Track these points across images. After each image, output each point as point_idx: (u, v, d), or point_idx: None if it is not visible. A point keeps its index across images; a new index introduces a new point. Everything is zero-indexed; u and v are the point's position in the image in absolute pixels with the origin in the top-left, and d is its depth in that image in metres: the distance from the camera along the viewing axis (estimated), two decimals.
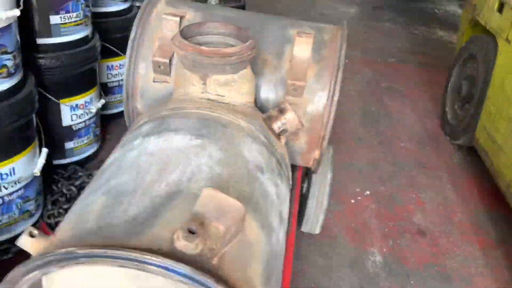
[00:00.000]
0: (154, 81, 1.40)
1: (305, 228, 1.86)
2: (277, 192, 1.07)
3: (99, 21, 2.22)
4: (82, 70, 1.96)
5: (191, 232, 0.75)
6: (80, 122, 2.04)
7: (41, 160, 1.68)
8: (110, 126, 2.47)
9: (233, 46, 1.24)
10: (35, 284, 0.82)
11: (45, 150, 1.72)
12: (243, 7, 2.94)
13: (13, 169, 1.56)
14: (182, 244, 0.73)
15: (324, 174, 1.77)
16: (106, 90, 2.40)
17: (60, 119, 1.96)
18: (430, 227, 2.12)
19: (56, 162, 2.06)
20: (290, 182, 1.28)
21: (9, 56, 1.42)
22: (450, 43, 4.70)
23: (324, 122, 1.39)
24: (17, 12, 1.38)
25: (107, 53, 2.29)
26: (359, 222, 2.10)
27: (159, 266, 0.69)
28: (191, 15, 1.46)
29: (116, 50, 2.30)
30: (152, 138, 1.04)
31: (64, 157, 2.07)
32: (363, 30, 4.95)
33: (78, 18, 1.84)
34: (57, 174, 2.03)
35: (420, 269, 1.88)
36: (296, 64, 1.37)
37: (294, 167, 1.69)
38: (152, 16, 1.44)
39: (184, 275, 0.69)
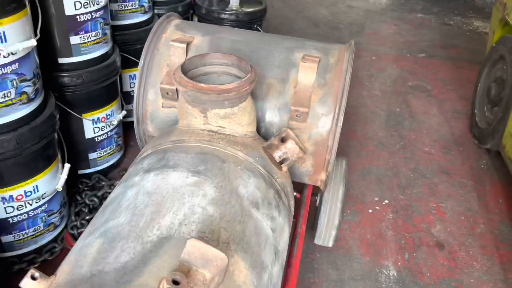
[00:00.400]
0: (162, 107, 1.45)
1: (317, 241, 1.88)
2: (272, 226, 1.10)
3: (120, 33, 2.29)
4: (103, 85, 2.03)
5: (175, 282, 0.79)
6: (102, 134, 2.12)
7: (63, 176, 1.78)
8: (133, 132, 2.55)
9: (235, 75, 1.27)
10: None
11: (67, 166, 1.81)
12: (264, 11, 2.94)
13: (37, 186, 1.65)
14: None
15: (336, 191, 1.76)
16: (129, 98, 2.48)
17: (83, 132, 2.05)
18: (449, 240, 2.09)
19: (80, 172, 2.16)
20: (292, 210, 1.30)
21: (28, 83, 1.50)
22: (486, 35, 4.49)
23: (329, 146, 1.39)
24: (33, 43, 1.45)
25: (130, 64, 2.37)
26: (375, 234, 2.09)
27: None
28: (198, 40, 1.49)
29: (137, 60, 2.37)
30: (152, 175, 1.08)
31: (88, 167, 2.17)
32: (394, 22, 4.82)
33: (97, 37, 1.90)
34: (81, 184, 2.13)
35: (436, 284, 1.86)
36: (300, 90, 1.38)
37: (304, 184, 1.71)
38: (161, 42, 1.48)
39: None
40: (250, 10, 2.86)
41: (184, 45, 1.42)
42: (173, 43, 1.42)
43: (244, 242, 0.98)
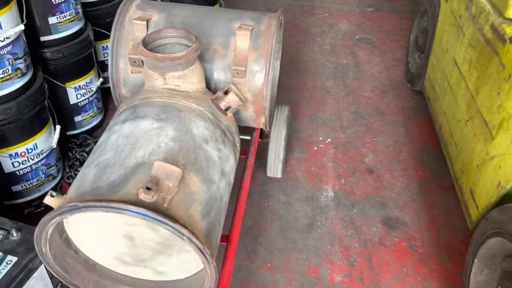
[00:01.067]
0: (132, 73, 1.83)
1: (269, 173, 2.34)
2: (219, 155, 1.52)
3: (90, 9, 2.61)
4: (80, 57, 2.38)
5: (148, 188, 1.21)
6: (84, 99, 2.49)
7: (56, 135, 2.16)
8: (111, 96, 2.91)
9: (185, 45, 1.65)
10: (58, 225, 1.31)
11: (58, 127, 2.19)
12: None
13: (36, 144, 2.04)
14: (143, 196, 1.20)
15: (279, 132, 2.20)
16: (104, 66, 2.82)
17: (68, 99, 2.42)
18: (378, 166, 2.57)
19: (69, 133, 2.54)
20: (238, 145, 1.72)
21: (21, 60, 1.86)
22: None
23: (264, 95, 1.81)
24: (22, 27, 1.79)
25: (102, 36, 2.70)
26: (318, 166, 2.55)
27: (128, 210, 1.16)
28: (156, 17, 1.85)
29: (108, 33, 2.69)
30: (127, 124, 1.48)
31: (75, 128, 2.55)
32: None
33: (71, 16, 2.23)
34: (71, 143, 2.52)
35: (363, 200, 2.35)
36: (239, 53, 1.77)
37: (253, 129, 2.13)
38: (125, 21, 1.84)
39: (143, 215, 1.16)
40: None
41: (144, 22, 1.79)
42: (135, 21, 1.79)
43: (197, 165, 1.40)
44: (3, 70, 1.78)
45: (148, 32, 1.81)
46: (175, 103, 1.55)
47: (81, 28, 2.35)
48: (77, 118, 2.52)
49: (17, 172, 2.02)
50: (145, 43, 1.59)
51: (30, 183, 2.10)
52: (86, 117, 2.55)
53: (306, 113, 2.96)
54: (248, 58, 1.78)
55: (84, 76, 2.44)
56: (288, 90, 3.17)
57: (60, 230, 1.38)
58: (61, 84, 2.33)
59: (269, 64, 1.78)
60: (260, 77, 1.79)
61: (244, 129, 2.00)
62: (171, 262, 1.47)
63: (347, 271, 1.99)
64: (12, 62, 1.80)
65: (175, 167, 1.24)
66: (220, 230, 1.47)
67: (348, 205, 2.32)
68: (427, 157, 2.63)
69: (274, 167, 2.29)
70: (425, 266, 2.02)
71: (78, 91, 2.43)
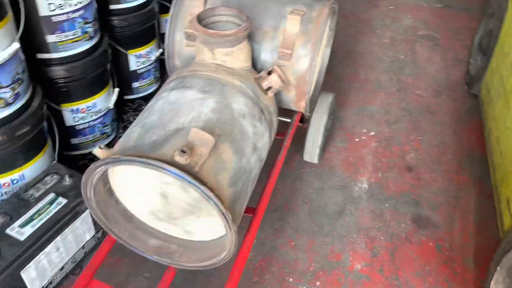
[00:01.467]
0: (186, 46, 1.95)
1: (306, 157, 2.40)
2: (254, 131, 1.61)
3: None
4: (144, 27, 2.54)
5: (183, 151, 1.33)
6: (143, 67, 2.67)
7: (113, 97, 2.35)
8: None
9: (236, 24, 1.74)
10: (103, 175, 1.46)
11: (116, 90, 2.37)
12: None
13: (95, 103, 2.23)
14: (178, 158, 1.32)
15: (320, 118, 2.25)
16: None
17: (128, 65, 2.60)
18: (419, 165, 2.55)
19: (126, 97, 2.74)
20: (275, 125, 1.80)
21: (90, 25, 2.03)
22: None
23: (306, 80, 1.87)
24: None
25: (165, 10, 2.84)
26: (357, 157, 2.58)
27: (163, 168, 1.28)
28: None
29: None
30: (174, 92, 1.61)
31: (132, 93, 2.74)
32: None
33: None
34: (127, 106, 2.72)
35: (397, 196, 2.36)
36: (287, 36, 1.84)
37: (295, 112, 2.19)
38: None
39: (175, 174, 1.28)
40: None
41: (202, 0, 1.90)
42: None
43: (231, 137, 1.50)
44: (74, 32, 1.97)
45: (205, 9, 1.92)
46: (220, 78, 1.65)
47: (147, 0, 2.50)
48: (135, 84, 2.70)
49: (76, 127, 2.23)
50: (200, 19, 1.70)
51: (87, 138, 2.31)
52: (143, 84, 2.73)
53: (354, 104, 2.97)
54: (296, 42, 1.84)
55: (146, 46, 2.60)
56: (339, 79, 3.19)
57: (104, 180, 1.54)
58: (124, 51, 2.51)
59: (316, 50, 1.83)
60: (305, 61, 1.85)
61: (287, 112, 2.08)
62: (198, 223, 1.59)
63: (368, 260, 2.03)
64: (82, 25, 1.98)
65: (209, 135, 1.35)
66: (246, 201, 1.57)
67: (381, 198, 2.34)
68: (472, 162, 2.57)
69: (311, 152, 2.35)
70: (449, 268, 2.01)
71: (138, 59, 2.60)
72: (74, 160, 2.34)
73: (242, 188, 1.50)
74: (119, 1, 2.36)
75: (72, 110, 2.17)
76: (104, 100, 2.29)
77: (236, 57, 1.70)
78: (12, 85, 1.63)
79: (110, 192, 1.60)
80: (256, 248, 2.05)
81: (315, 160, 2.40)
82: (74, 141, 2.29)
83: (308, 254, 2.04)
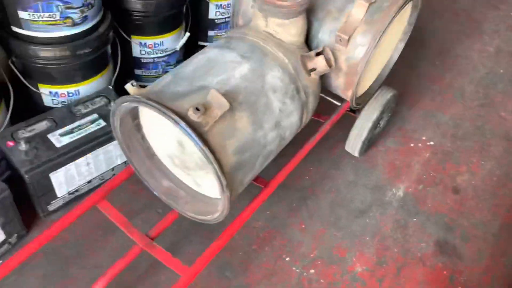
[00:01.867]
0: (251, 7, 1.95)
1: (347, 148, 2.34)
2: (281, 107, 1.61)
3: None
4: None
5: (197, 109, 1.38)
6: (222, 18, 2.72)
7: (182, 40, 2.44)
8: None
9: None
10: (132, 109, 1.57)
11: (187, 34, 2.46)
12: None
13: (162, 42, 2.35)
14: (190, 113, 1.37)
15: (371, 113, 2.16)
16: None
17: (207, 13, 2.66)
18: (468, 190, 2.35)
19: (200, 43, 2.83)
20: (310, 107, 1.77)
21: None
22: None
23: (358, 71, 1.79)
24: None
25: None
26: (404, 162, 2.45)
27: (172, 119, 1.35)
28: None
29: None
30: (216, 50, 1.64)
31: (206, 41, 2.82)
32: None
33: None
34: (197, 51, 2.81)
35: (429, 214, 2.22)
36: (350, 21, 1.76)
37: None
38: None
39: (182, 127, 1.34)
40: None
41: None
42: None
43: (253, 108, 1.52)
44: None
45: None
46: (265, 47, 1.65)
47: None
48: (210, 33, 2.77)
49: (141, 59, 2.38)
50: None
51: (149, 72, 2.45)
52: (218, 34, 2.79)
53: (424, 107, 2.78)
54: (357, 29, 1.75)
55: None
56: (419, 77, 2.99)
57: (134, 114, 1.65)
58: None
59: (374, 42, 1.73)
60: (360, 51, 1.76)
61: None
62: (207, 179, 1.66)
63: (372, 267, 1.98)
64: None
65: (225, 100, 1.38)
66: (252, 172, 1.59)
67: (412, 211, 2.22)
68: None
69: (353, 145, 2.28)
70: None
71: (218, 8, 2.65)
72: None
73: (249, 158, 1.53)
74: None
75: (140, 43, 2.30)
76: (172, 41, 2.39)
77: (288, 30, 1.68)
78: (82, 8, 1.78)
79: (139, 127, 1.72)
80: (266, 219, 2.09)
81: (356, 154, 2.33)
82: (138, 72, 2.45)
83: (314, 241, 2.04)
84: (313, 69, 1.71)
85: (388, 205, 2.24)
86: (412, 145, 2.55)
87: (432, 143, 2.58)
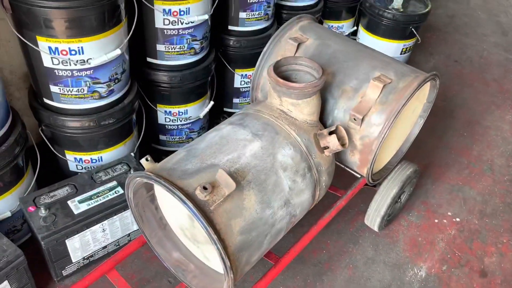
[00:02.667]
0: (269, 83, 2.01)
1: (366, 221, 2.27)
2: (291, 186, 1.61)
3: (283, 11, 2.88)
4: (255, 52, 2.67)
5: (205, 188, 1.40)
6: (247, 87, 2.81)
7: (206, 109, 2.53)
8: None
9: (314, 77, 1.74)
10: (146, 183, 1.61)
11: (211, 103, 2.55)
12: (424, 15, 3.12)
13: (186, 110, 2.44)
14: (197, 193, 1.39)
15: (390, 188, 2.11)
16: None
17: (233, 83, 2.76)
18: (496, 273, 2.22)
19: (226, 109, 2.91)
20: (324, 184, 1.75)
21: (197, 42, 2.23)
22: None
23: (373, 149, 1.78)
24: (206, 17, 2.14)
25: None
26: (427, 240, 2.35)
27: (179, 198, 1.37)
28: (310, 41, 1.97)
29: None
30: (230, 127, 1.68)
31: (231, 107, 2.91)
32: None
33: (259, 16, 2.52)
34: (223, 118, 2.89)
35: None
36: (364, 101, 1.77)
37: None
38: (284, 37, 2.01)
39: (188, 207, 1.36)
40: (409, 12, 3.09)
41: (296, 44, 1.93)
42: (289, 40, 1.95)
43: (262, 186, 1.52)
44: (180, 47, 2.18)
45: (296, 54, 1.96)
46: (278, 125, 1.68)
47: (265, 27, 2.62)
48: (235, 100, 2.86)
49: (166, 126, 2.47)
50: (281, 65, 1.74)
51: (173, 138, 2.53)
52: (243, 101, 2.87)
53: (451, 181, 2.70)
54: (371, 109, 1.76)
55: (252, 68, 2.73)
56: (446, 149, 2.92)
57: (148, 186, 1.69)
58: (231, 70, 2.68)
59: (389, 122, 1.73)
60: (375, 130, 1.76)
61: None
62: (215, 253, 1.65)
63: None
64: (189, 42, 2.18)
65: (231, 181, 1.39)
66: (260, 251, 1.57)
67: None
68: None
69: (371, 219, 2.22)
70: None
71: (243, 78, 2.75)
72: (158, 154, 2.58)
73: (255, 238, 1.52)
74: (238, 24, 2.52)
75: (165, 112, 2.40)
76: (197, 110, 2.48)
77: (301, 110, 1.71)
78: (109, 83, 1.89)
79: (153, 198, 1.76)
80: None
81: (375, 228, 2.26)
82: (162, 137, 2.53)
83: None
84: (326, 147, 1.72)
85: (408, 286, 2.13)
86: (436, 221, 2.46)
87: (458, 219, 2.47)
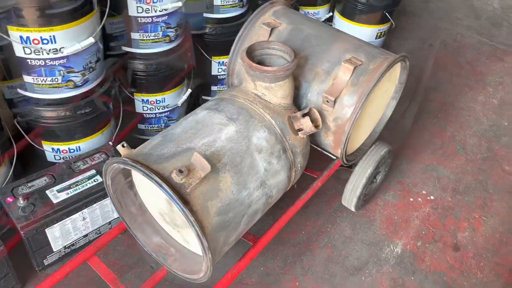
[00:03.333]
0: (243, 67, 2.03)
1: (343, 202, 2.33)
2: (267, 167, 1.64)
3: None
4: (232, 38, 2.68)
5: (180, 171, 1.43)
6: (224, 74, 2.81)
7: (184, 97, 2.54)
8: None
9: (287, 61, 1.77)
10: (123, 169, 1.62)
11: (189, 91, 2.56)
12: (396, 1, 3.18)
13: (164, 98, 2.45)
14: (173, 176, 1.42)
15: (365, 168, 2.17)
16: None
17: (210, 70, 2.78)
18: (469, 247, 2.30)
19: (204, 97, 2.93)
20: (299, 166, 1.80)
21: (172, 30, 2.23)
22: None
23: (345, 130, 1.82)
24: (180, 4, 2.15)
25: None
26: (403, 218, 2.42)
27: (156, 181, 1.40)
28: (283, 26, 2.00)
29: None
30: (205, 112, 1.71)
31: (210, 95, 2.92)
32: None
33: (233, 2, 2.54)
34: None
35: (428, 273, 2.17)
36: (336, 83, 1.82)
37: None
38: (258, 22, 2.04)
39: (164, 190, 1.39)
40: None
41: (269, 29, 1.96)
42: (262, 25, 1.97)
43: (237, 168, 1.56)
44: (155, 34, 2.18)
45: (270, 39, 1.99)
46: (252, 108, 1.71)
47: (241, 13, 2.64)
48: (214, 88, 2.88)
49: (144, 114, 2.48)
50: (253, 49, 1.77)
51: (152, 126, 2.54)
52: (221, 89, 2.89)
53: (425, 161, 2.77)
54: (343, 91, 1.81)
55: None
56: (420, 130, 2.99)
57: (126, 173, 1.71)
58: (208, 57, 2.69)
59: (361, 103, 1.78)
60: (347, 111, 1.81)
61: None
62: (194, 236, 1.68)
63: None
64: (164, 29, 2.19)
65: (207, 163, 1.42)
66: (237, 232, 1.61)
67: (409, 269, 2.18)
68: None
69: (348, 199, 2.28)
70: None
71: (220, 65, 2.76)
72: (139, 143, 2.59)
73: (232, 219, 1.55)
74: (213, 11, 2.54)
75: (142, 100, 2.41)
76: (174, 98, 2.49)
77: (274, 93, 1.74)
78: (83, 72, 1.89)
79: (131, 185, 1.78)
80: (260, 276, 2.08)
81: (352, 208, 2.32)
82: (141, 126, 2.54)
83: None
84: (300, 129, 1.76)
85: (384, 262, 2.20)
86: (411, 199, 2.53)
87: (432, 197, 2.55)
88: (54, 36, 1.72)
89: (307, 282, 2.08)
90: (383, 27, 3.32)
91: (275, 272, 2.11)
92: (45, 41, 1.72)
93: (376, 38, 3.37)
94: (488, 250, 2.29)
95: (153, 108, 2.46)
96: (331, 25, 3.49)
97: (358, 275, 2.13)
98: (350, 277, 2.12)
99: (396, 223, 2.39)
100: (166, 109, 2.50)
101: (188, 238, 1.75)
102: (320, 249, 2.23)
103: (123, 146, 1.58)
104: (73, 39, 1.78)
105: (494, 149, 2.92)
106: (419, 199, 2.54)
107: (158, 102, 2.45)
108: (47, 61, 1.77)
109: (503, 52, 3.90)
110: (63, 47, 1.76)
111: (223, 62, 2.76)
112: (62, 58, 1.78)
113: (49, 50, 1.74)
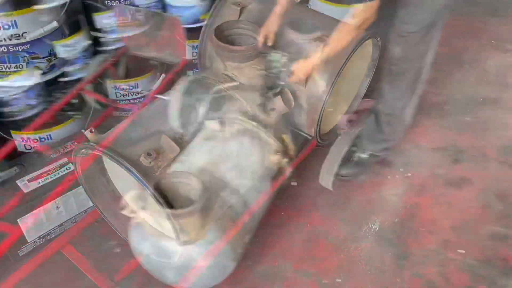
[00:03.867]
0: (212, 48, 2.00)
1: (320, 181, 2.33)
2: (239, 149, 1.63)
3: None
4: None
5: (149, 154, 1.41)
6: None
7: (158, 82, 2.50)
8: None
9: (256, 39, 1.75)
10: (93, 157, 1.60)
11: (162, 75, 2.52)
12: None
13: (137, 84, 2.41)
14: (142, 159, 1.41)
15: (340, 148, 2.17)
16: None
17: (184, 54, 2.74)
18: (444, 221, 2.32)
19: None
20: (273, 145, 1.79)
21: (140, 13, 2.19)
22: None
23: (318, 109, 1.82)
24: None
25: None
26: (380, 195, 2.43)
27: (124, 166, 1.38)
28: (253, 5, 1.97)
29: None
30: None
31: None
32: None
33: None
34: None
35: (405, 249, 2.19)
36: (307, 62, 1.79)
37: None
38: (227, 2, 2.00)
39: (133, 174, 1.37)
40: None
41: (239, 9, 1.93)
42: (231, 6, 1.94)
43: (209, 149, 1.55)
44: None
45: (240, 18, 1.96)
46: (223, 90, 1.69)
47: None
48: (189, 72, 2.84)
49: (118, 101, 2.44)
50: (222, 29, 1.75)
51: (126, 113, 2.50)
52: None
53: (416, 141, 2.76)
54: (314, 69, 1.79)
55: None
56: None
57: (98, 159, 1.69)
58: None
59: (332, 81, 1.77)
60: (319, 90, 1.80)
61: None
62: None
63: None
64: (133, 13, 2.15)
65: (175, 145, 1.41)
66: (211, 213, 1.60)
67: (386, 244, 2.19)
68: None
69: (325, 179, 2.28)
70: None
71: (195, 49, 2.72)
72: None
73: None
74: None
75: (115, 86, 2.37)
76: (147, 83, 2.46)
77: (244, 73, 1.72)
78: (49, 57, 1.84)
79: (103, 171, 1.75)
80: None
81: (330, 188, 2.32)
82: (115, 113, 2.50)
83: (286, 281, 2.02)
84: (273, 109, 1.75)
85: (363, 238, 2.21)
86: (389, 177, 2.55)
87: (409, 174, 2.57)
88: (15, 20, 1.68)
89: (286, 264, 2.09)
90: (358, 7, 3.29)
91: (253, 253, 2.11)
92: (6, 27, 1.68)
93: None
94: (466, 233, 2.31)
95: (126, 94, 2.42)
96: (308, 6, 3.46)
97: (336, 252, 2.15)
98: (328, 256, 2.14)
99: (374, 201, 2.41)
100: (140, 95, 2.46)
101: (162, 222, 1.73)
102: (299, 230, 2.23)
103: (91, 131, 1.55)
104: (36, 24, 1.73)
105: (489, 145, 2.94)
106: (397, 176, 2.55)
107: (131, 88, 2.41)
108: (9, 47, 1.74)
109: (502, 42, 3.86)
110: (25, 32, 1.72)
111: (197, 46, 2.71)
112: (25, 43, 1.74)
113: (11, 35, 1.69)
